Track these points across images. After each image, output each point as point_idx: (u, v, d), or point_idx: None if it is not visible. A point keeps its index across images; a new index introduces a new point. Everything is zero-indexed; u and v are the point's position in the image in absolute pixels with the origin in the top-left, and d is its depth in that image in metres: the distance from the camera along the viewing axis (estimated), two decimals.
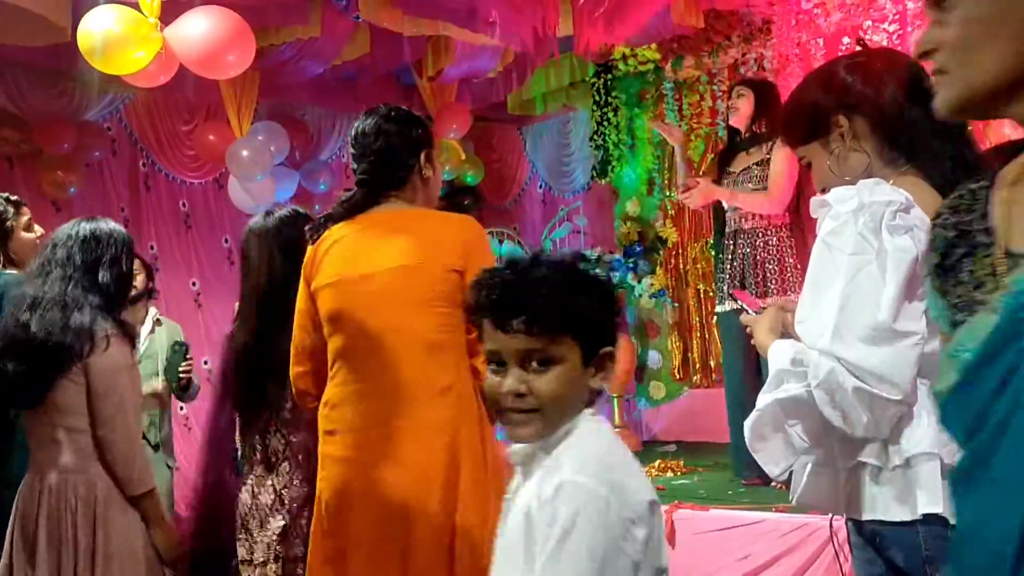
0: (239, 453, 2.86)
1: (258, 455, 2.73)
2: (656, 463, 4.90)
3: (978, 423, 0.90)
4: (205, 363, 5.80)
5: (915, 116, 1.69)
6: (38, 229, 3.25)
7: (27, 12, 3.94)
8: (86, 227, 2.72)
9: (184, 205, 6.19)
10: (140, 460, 2.66)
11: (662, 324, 6.42)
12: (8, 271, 3.10)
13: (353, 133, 2.44)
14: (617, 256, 6.04)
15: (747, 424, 1.70)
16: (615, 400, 6.01)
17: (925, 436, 1.55)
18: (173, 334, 4.13)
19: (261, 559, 2.66)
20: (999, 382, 0.88)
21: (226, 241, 6.27)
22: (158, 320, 4.17)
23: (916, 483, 1.55)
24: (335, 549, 2.24)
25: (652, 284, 6.12)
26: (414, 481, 2.18)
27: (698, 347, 6.31)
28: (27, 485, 2.63)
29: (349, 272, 2.31)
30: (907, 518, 1.57)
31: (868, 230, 1.56)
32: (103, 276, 2.67)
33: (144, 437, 3.50)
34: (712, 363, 6.16)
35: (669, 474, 4.75)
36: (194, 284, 6.14)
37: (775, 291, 4.27)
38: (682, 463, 4.91)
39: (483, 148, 7.28)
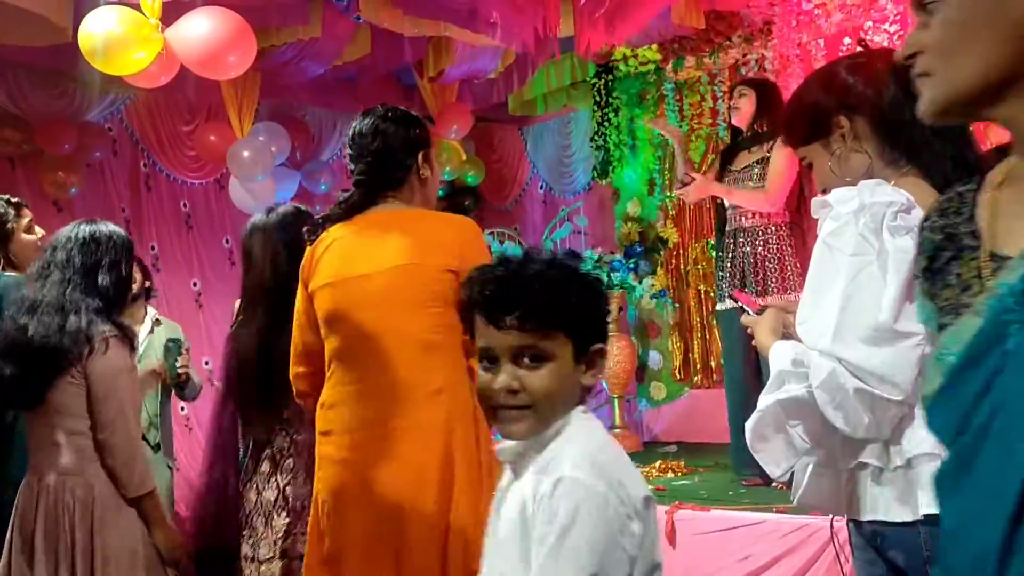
0: (243, 452, 2.86)
1: (264, 452, 2.74)
2: (657, 464, 4.90)
3: (962, 426, 0.91)
4: (206, 363, 5.81)
5: (916, 117, 1.69)
6: (39, 231, 3.25)
7: (28, 13, 3.95)
8: (86, 229, 2.72)
9: (185, 205, 6.19)
10: (141, 462, 2.67)
11: (663, 325, 6.41)
12: (7, 273, 3.10)
13: (350, 134, 2.43)
14: (618, 256, 6.03)
15: (748, 425, 1.70)
16: (616, 401, 6.01)
17: (926, 437, 1.54)
18: (172, 334, 4.13)
19: (267, 555, 2.67)
20: (983, 385, 0.89)
21: (227, 242, 6.27)
22: (157, 320, 4.17)
23: (917, 484, 1.55)
24: (331, 549, 2.24)
25: (653, 285, 6.12)
26: (410, 482, 2.18)
27: (699, 348, 6.31)
28: (26, 486, 2.63)
29: (345, 273, 2.31)
30: (908, 519, 1.57)
31: (869, 231, 1.56)
32: (102, 279, 2.67)
33: (144, 438, 3.50)
34: (713, 364, 6.16)
35: (670, 475, 4.74)
36: (195, 284, 6.14)
37: (775, 290, 4.28)
38: (683, 464, 4.91)
39: (484, 149, 7.28)
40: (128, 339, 2.70)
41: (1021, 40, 0.90)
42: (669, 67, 6.20)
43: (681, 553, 3.72)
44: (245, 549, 2.72)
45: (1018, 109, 0.94)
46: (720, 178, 4.53)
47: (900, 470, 1.58)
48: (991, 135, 3.91)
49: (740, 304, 1.97)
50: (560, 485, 1.26)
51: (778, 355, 1.66)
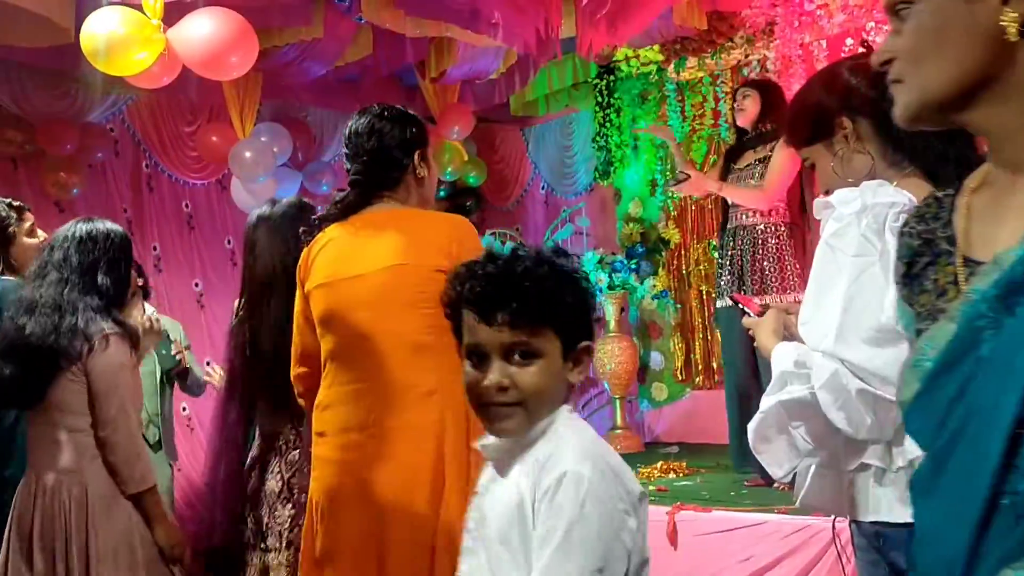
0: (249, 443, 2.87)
1: (270, 443, 2.74)
2: (658, 464, 4.89)
3: (938, 430, 0.91)
4: (208, 364, 5.81)
5: None
6: (41, 234, 3.24)
7: (30, 13, 3.95)
8: (83, 228, 2.72)
9: (187, 206, 6.19)
10: (142, 458, 2.67)
11: (664, 325, 6.41)
12: (6, 277, 3.10)
13: (346, 133, 2.42)
14: (619, 257, 6.03)
15: (751, 426, 1.70)
16: (617, 401, 6.01)
17: None
18: (172, 332, 4.13)
19: (275, 545, 2.68)
20: (958, 390, 0.89)
21: (229, 242, 6.28)
22: (156, 319, 4.16)
23: None
24: (324, 550, 2.25)
25: (655, 285, 6.12)
26: (402, 483, 2.18)
27: (700, 348, 6.31)
28: (24, 485, 2.64)
29: (339, 274, 2.31)
30: (910, 520, 1.56)
31: (871, 232, 1.56)
32: (101, 277, 2.67)
33: (143, 436, 3.50)
34: (715, 364, 6.15)
35: (671, 475, 4.74)
36: (197, 285, 6.14)
37: (774, 290, 4.30)
38: (684, 464, 4.91)
39: (485, 149, 7.28)
40: (130, 336, 2.71)
41: (990, 46, 0.91)
42: (671, 68, 6.20)
43: (683, 554, 3.72)
44: (247, 536, 2.73)
45: (990, 114, 0.95)
46: (724, 177, 4.56)
47: (902, 471, 1.58)
48: None
49: (741, 306, 1.97)
50: (565, 480, 1.26)
51: (780, 356, 1.66)
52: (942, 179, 1.66)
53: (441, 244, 2.25)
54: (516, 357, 1.33)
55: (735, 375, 4.48)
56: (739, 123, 4.56)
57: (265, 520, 2.72)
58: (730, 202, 4.56)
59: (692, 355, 6.35)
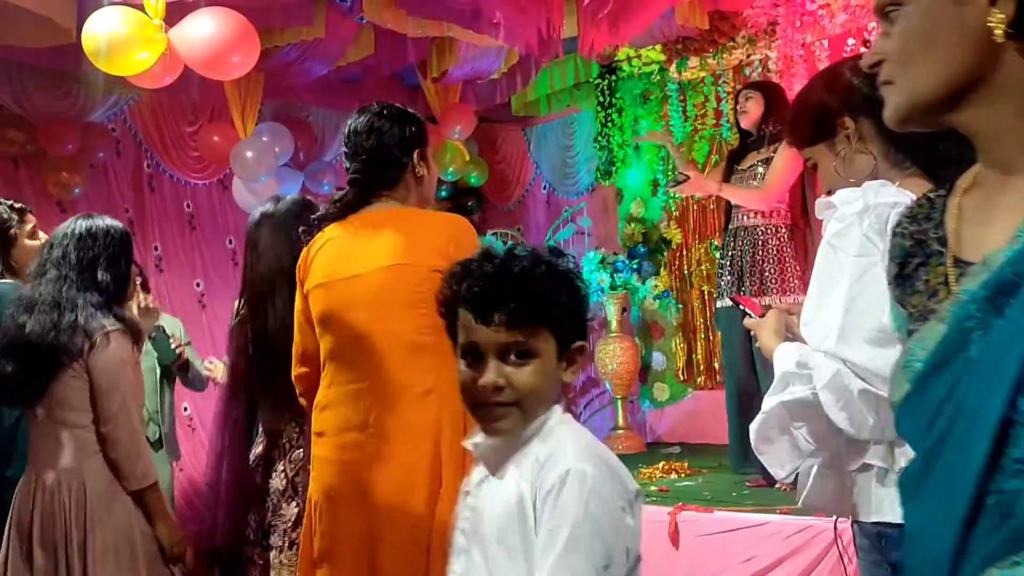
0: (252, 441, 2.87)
1: (274, 441, 2.74)
2: (660, 465, 4.89)
3: (927, 431, 0.92)
4: (210, 361, 5.80)
5: None
6: (42, 236, 3.24)
7: (32, 13, 3.95)
8: (82, 225, 2.73)
9: (188, 206, 6.19)
10: (144, 455, 2.68)
11: (666, 325, 6.40)
12: (5, 280, 3.10)
13: (346, 131, 2.41)
14: (621, 257, 6.03)
15: (753, 427, 1.70)
16: (619, 402, 6.00)
17: None
18: (172, 329, 4.12)
19: (278, 543, 2.68)
20: (947, 391, 0.90)
21: (230, 242, 6.28)
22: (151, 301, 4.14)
23: None
24: (322, 549, 2.25)
25: (656, 285, 6.12)
26: (400, 483, 2.19)
27: (702, 348, 6.30)
28: (24, 483, 2.64)
29: (337, 274, 2.31)
30: None
31: (873, 232, 1.56)
32: (102, 273, 2.68)
33: None
34: (716, 365, 6.14)
35: (673, 476, 4.74)
36: (198, 285, 6.14)
37: (774, 291, 4.30)
38: (686, 465, 4.90)
39: (487, 149, 7.27)
40: (132, 333, 2.71)
41: (978, 48, 0.92)
42: (673, 68, 6.20)
43: (684, 554, 3.72)
44: (250, 533, 2.73)
45: (978, 115, 0.95)
46: (727, 178, 4.57)
47: None
48: None
49: (742, 307, 1.97)
50: (569, 478, 1.27)
51: (782, 357, 1.66)
52: (944, 179, 1.64)
53: (438, 244, 2.24)
54: (512, 357, 1.33)
55: (735, 376, 4.48)
56: (743, 125, 4.56)
57: (269, 519, 2.72)
58: (733, 203, 4.56)
59: (694, 355, 6.35)
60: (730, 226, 4.57)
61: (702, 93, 6.20)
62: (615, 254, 6.08)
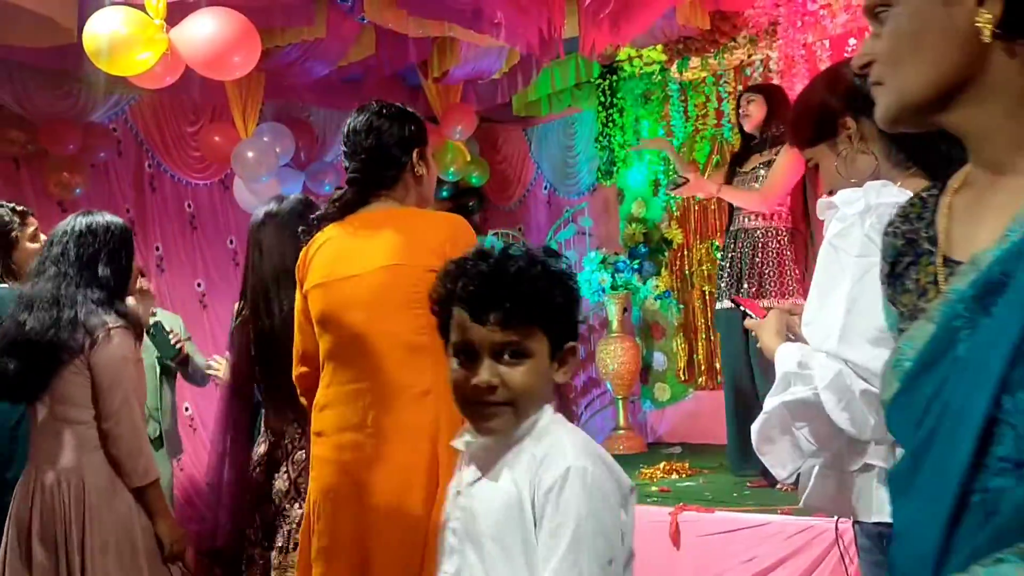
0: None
1: (276, 442, 2.74)
2: (661, 465, 4.88)
3: (916, 430, 0.92)
4: (213, 359, 5.80)
5: None
6: (44, 239, 3.24)
7: (33, 13, 3.95)
8: (82, 222, 2.73)
9: (189, 206, 6.19)
10: (145, 452, 2.68)
11: (667, 326, 6.40)
12: (3, 285, 3.11)
13: (345, 131, 2.41)
14: (622, 257, 6.03)
15: (754, 427, 1.69)
16: (620, 402, 6.00)
17: None
18: (171, 325, 4.12)
19: (281, 544, 2.68)
20: (935, 390, 0.90)
21: (231, 242, 6.28)
22: (152, 312, 4.15)
23: None
24: (319, 548, 2.25)
25: (657, 286, 6.12)
26: (398, 484, 2.19)
27: (703, 349, 6.30)
28: (24, 480, 2.65)
29: (335, 274, 2.31)
30: None
31: (875, 232, 1.56)
32: (102, 269, 2.68)
33: None
34: (717, 365, 6.14)
35: (674, 476, 4.73)
36: (199, 285, 6.14)
37: (772, 294, 4.30)
38: (687, 465, 4.90)
39: (488, 149, 7.27)
40: (135, 328, 2.71)
41: (967, 48, 0.92)
42: (674, 68, 6.19)
43: (685, 554, 3.72)
44: (251, 533, 2.73)
45: (968, 116, 0.96)
46: (729, 181, 4.57)
47: None
48: None
49: (742, 308, 1.97)
50: (570, 475, 1.27)
51: (784, 357, 1.66)
52: (946, 179, 1.65)
53: (435, 244, 2.23)
54: (506, 356, 1.33)
55: (734, 379, 4.48)
56: (746, 128, 4.56)
57: (274, 520, 2.72)
58: (735, 205, 4.56)
59: (695, 355, 6.35)
60: (731, 228, 4.58)
61: (703, 93, 6.20)
62: (616, 254, 6.08)
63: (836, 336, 1.55)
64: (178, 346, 3.90)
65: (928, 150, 1.69)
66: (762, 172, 4.39)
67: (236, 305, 2.95)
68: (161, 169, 6.05)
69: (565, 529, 1.25)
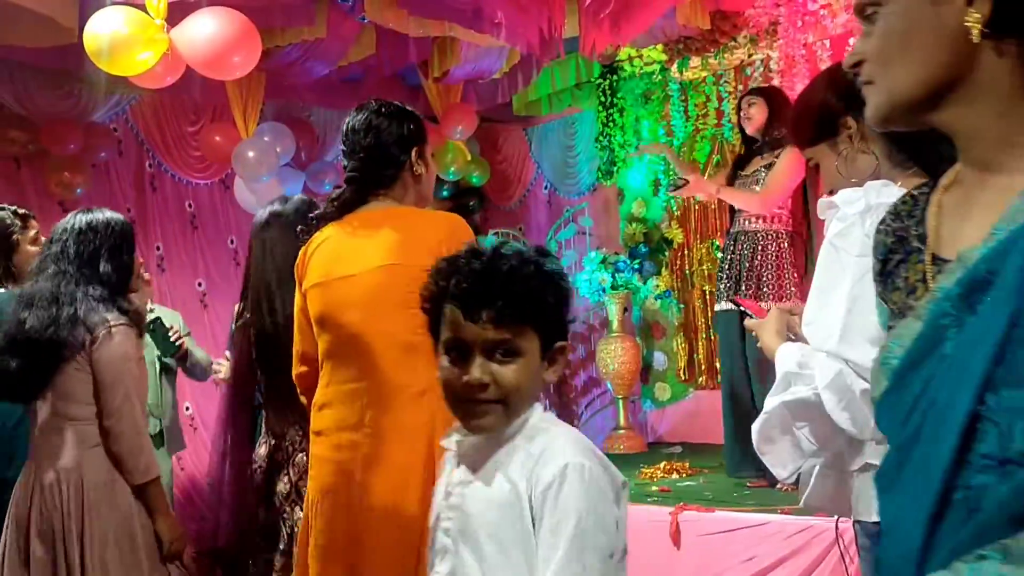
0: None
1: (277, 444, 2.74)
2: (661, 464, 4.89)
3: (903, 426, 0.93)
4: (217, 362, 5.80)
5: None
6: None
7: (34, 13, 3.95)
8: (82, 219, 2.73)
9: (190, 206, 6.19)
10: (147, 449, 2.68)
11: (668, 325, 6.41)
12: (2, 290, 3.11)
13: (344, 129, 2.41)
14: (623, 257, 6.03)
15: (755, 427, 1.70)
16: (620, 401, 6.00)
17: None
18: (171, 321, 4.12)
19: (282, 547, 2.68)
20: (922, 387, 0.91)
21: (232, 242, 6.28)
22: (151, 309, 4.15)
23: None
24: (316, 547, 2.25)
25: (658, 285, 6.12)
26: (395, 483, 2.19)
27: (704, 348, 6.30)
28: (23, 478, 2.65)
29: (333, 273, 2.31)
30: None
31: None
32: (103, 266, 2.68)
33: None
34: (717, 364, 6.14)
35: (674, 476, 4.74)
36: (200, 285, 6.14)
37: (770, 296, 4.31)
38: (687, 464, 4.91)
39: (488, 149, 7.27)
40: (137, 325, 2.71)
41: (956, 48, 0.93)
42: (674, 68, 6.19)
43: (685, 554, 3.72)
44: (252, 536, 2.73)
45: (957, 115, 0.96)
46: (731, 183, 4.57)
47: None
48: None
49: (742, 309, 1.97)
50: (568, 471, 1.28)
51: (784, 357, 1.66)
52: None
53: (433, 243, 2.21)
54: (498, 355, 1.34)
55: (731, 383, 4.48)
56: (747, 131, 4.57)
57: (275, 521, 2.72)
58: (736, 206, 4.57)
59: (695, 355, 6.35)
60: (732, 230, 4.58)
61: (704, 93, 6.20)
62: (616, 254, 6.08)
63: (836, 336, 1.55)
64: (178, 343, 3.90)
65: (928, 150, 1.69)
66: (763, 175, 4.39)
67: (236, 306, 2.95)
68: (162, 169, 6.05)
69: (566, 525, 1.25)
